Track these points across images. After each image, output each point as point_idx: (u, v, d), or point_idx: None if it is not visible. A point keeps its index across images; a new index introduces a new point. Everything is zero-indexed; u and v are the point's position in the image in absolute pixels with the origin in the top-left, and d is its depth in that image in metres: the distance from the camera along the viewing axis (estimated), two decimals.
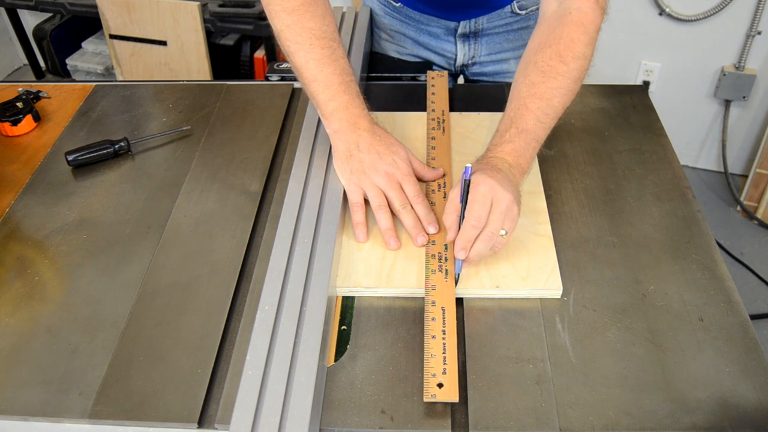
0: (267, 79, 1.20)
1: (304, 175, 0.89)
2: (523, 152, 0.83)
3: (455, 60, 1.26)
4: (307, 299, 0.72)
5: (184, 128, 1.05)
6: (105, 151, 1.00)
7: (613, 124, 1.05)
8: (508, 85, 1.15)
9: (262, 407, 0.62)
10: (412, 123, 1.03)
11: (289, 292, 0.73)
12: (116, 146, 1.00)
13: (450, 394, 0.66)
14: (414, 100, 1.12)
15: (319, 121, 0.95)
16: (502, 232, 0.76)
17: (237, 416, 0.62)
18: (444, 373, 0.68)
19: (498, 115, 1.03)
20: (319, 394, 0.66)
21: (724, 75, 2.12)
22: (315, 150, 0.94)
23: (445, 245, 0.82)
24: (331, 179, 0.88)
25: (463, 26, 1.20)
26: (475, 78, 1.30)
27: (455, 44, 1.23)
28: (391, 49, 1.29)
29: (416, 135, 1.01)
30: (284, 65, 1.21)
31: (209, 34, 2.13)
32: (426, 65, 1.23)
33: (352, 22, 1.21)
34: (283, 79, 1.19)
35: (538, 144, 0.85)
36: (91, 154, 0.99)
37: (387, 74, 1.21)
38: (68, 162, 0.98)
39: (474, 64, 1.26)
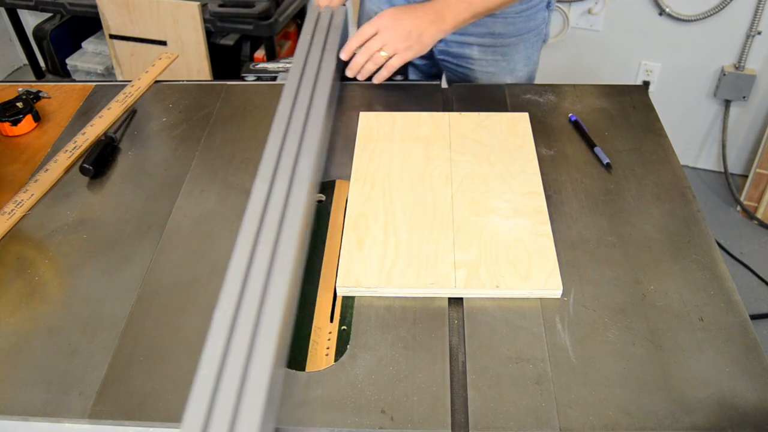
0: (242, 79, 1.19)
1: (271, 175, 0.87)
2: (455, 6, 1.02)
3: None
4: (267, 299, 0.71)
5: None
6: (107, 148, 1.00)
7: (613, 124, 1.05)
8: (508, 85, 1.16)
9: (215, 406, 0.61)
10: (413, 123, 1.03)
11: (248, 292, 0.71)
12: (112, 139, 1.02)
13: None
14: (414, 100, 1.12)
15: (290, 119, 0.94)
16: (383, 53, 1.01)
17: (189, 415, 0.60)
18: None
19: (498, 115, 1.04)
20: (274, 393, 0.65)
21: (724, 75, 2.12)
22: (284, 150, 0.91)
23: None
24: (297, 179, 0.86)
25: None
26: (441, 58, 1.31)
27: None
28: (374, 14, 1.30)
29: (416, 135, 1.01)
30: (260, 65, 1.20)
31: (209, 34, 2.13)
32: (402, 67, 1.21)
33: (328, 22, 1.20)
34: (259, 78, 1.19)
35: (471, 9, 1.03)
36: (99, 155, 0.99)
37: None
38: (85, 172, 0.97)
39: (440, 41, 1.25)
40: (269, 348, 0.66)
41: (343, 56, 1.05)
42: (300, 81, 1.02)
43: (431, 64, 1.39)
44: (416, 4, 1.04)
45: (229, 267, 0.73)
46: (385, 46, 1.02)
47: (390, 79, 1.17)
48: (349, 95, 1.14)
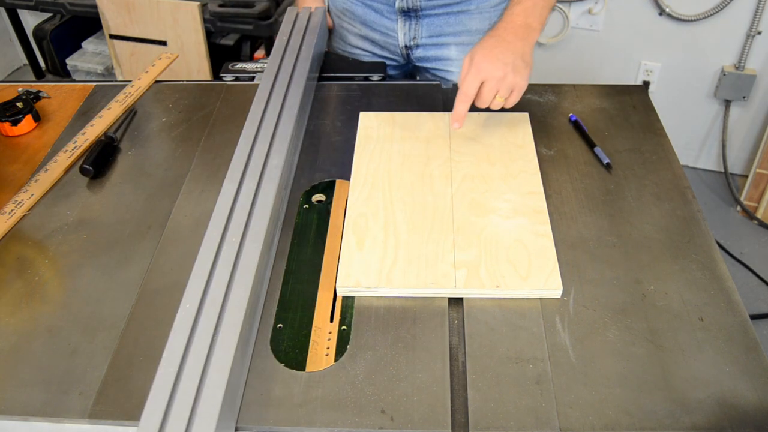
0: (221, 79, 1.19)
1: (239, 177, 0.87)
2: (532, 11, 0.97)
3: (398, 40, 1.26)
4: (228, 299, 0.71)
5: None
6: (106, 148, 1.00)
7: (613, 124, 1.05)
8: None
9: (173, 404, 0.62)
10: (413, 123, 1.03)
11: (211, 291, 0.72)
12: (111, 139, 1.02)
13: None
14: (414, 100, 1.12)
15: (261, 121, 0.94)
16: (500, 99, 0.93)
17: (147, 413, 0.61)
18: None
19: (498, 115, 1.04)
20: (235, 393, 0.66)
21: (724, 75, 2.12)
22: (253, 151, 0.91)
23: None
24: (264, 182, 0.86)
25: (401, 0, 1.20)
26: (421, 64, 1.30)
27: (396, 22, 1.23)
28: (344, 30, 1.31)
29: (416, 135, 1.01)
30: (238, 65, 1.20)
31: (209, 34, 2.13)
32: (381, 66, 1.21)
33: (305, 23, 1.20)
34: (237, 79, 1.18)
35: (546, 4, 0.99)
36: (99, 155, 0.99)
37: (340, 74, 1.20)
38: (85, 173, 0.97)
39: (417, 46, 1.26)
40: (230, 346, 0.66)
41: (458, 126, 0.95)
42: (274, 82, 1.03)
43: (408, 67, 1.38)
44: (495, 30, 0.98)
45: (193, 269, 0.74)
46: (498, 91, 0.93)
47: (367, 78, 1.17)
48: (349, 95, 1.14)
